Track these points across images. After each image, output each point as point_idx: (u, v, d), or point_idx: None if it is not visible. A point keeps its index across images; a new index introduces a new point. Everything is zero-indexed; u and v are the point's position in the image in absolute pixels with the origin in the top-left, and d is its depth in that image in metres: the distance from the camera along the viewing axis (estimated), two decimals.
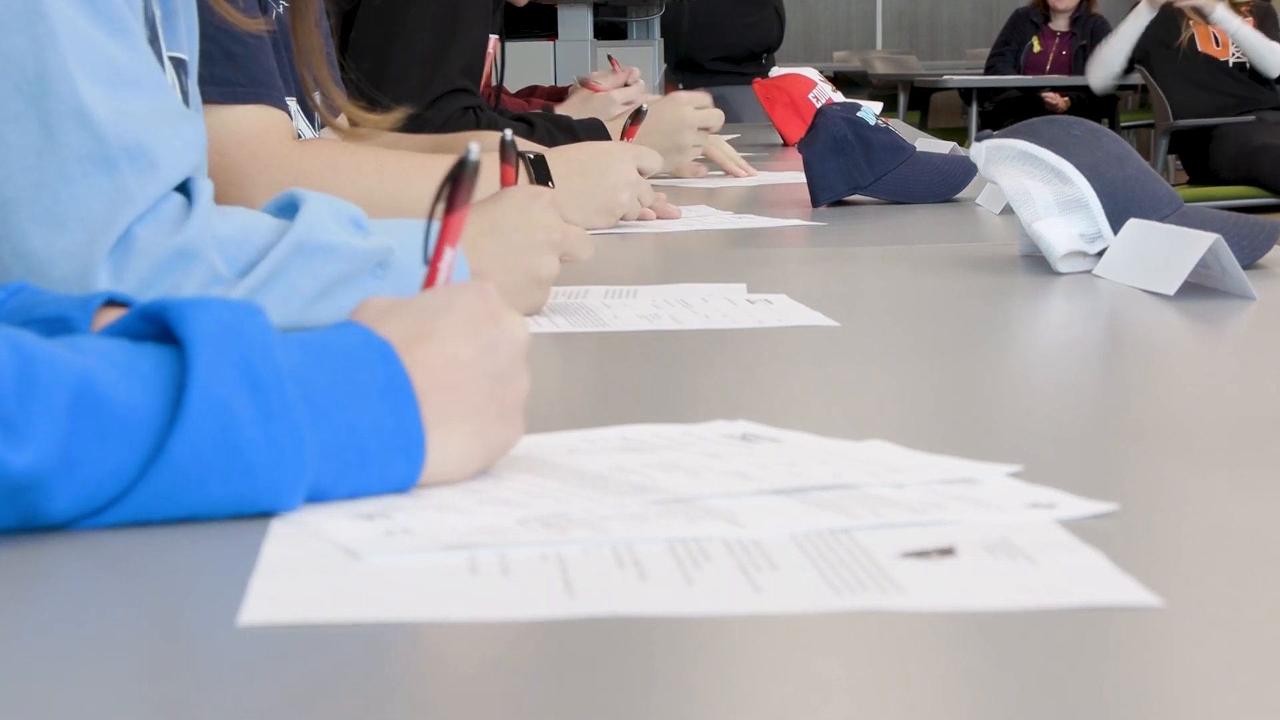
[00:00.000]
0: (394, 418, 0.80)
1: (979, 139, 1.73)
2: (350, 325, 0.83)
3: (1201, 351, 1.37)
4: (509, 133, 1.44)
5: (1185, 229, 1.51)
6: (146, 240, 1.10)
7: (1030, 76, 8.36)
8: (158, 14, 1.24)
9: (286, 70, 1.77)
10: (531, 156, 1.80)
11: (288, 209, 1.19)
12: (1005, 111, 8.34)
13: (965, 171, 2.37)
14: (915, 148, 2.42)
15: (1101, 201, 1.61)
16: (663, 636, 0.65)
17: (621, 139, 2.44)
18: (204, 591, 0.71)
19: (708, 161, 2.91)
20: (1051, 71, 8.34)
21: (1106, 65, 7.16)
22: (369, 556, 0.73)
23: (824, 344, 1.30)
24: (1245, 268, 1.46)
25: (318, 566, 0.72)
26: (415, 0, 2.63)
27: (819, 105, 3.27)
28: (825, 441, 0.92)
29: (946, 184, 2.38)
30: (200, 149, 1.16)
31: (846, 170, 2.30)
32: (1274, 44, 6.81)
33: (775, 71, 3.70)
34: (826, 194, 2.31)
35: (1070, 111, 7.93)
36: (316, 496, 0.79)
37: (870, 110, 2.36)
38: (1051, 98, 8.20)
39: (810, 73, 3.65)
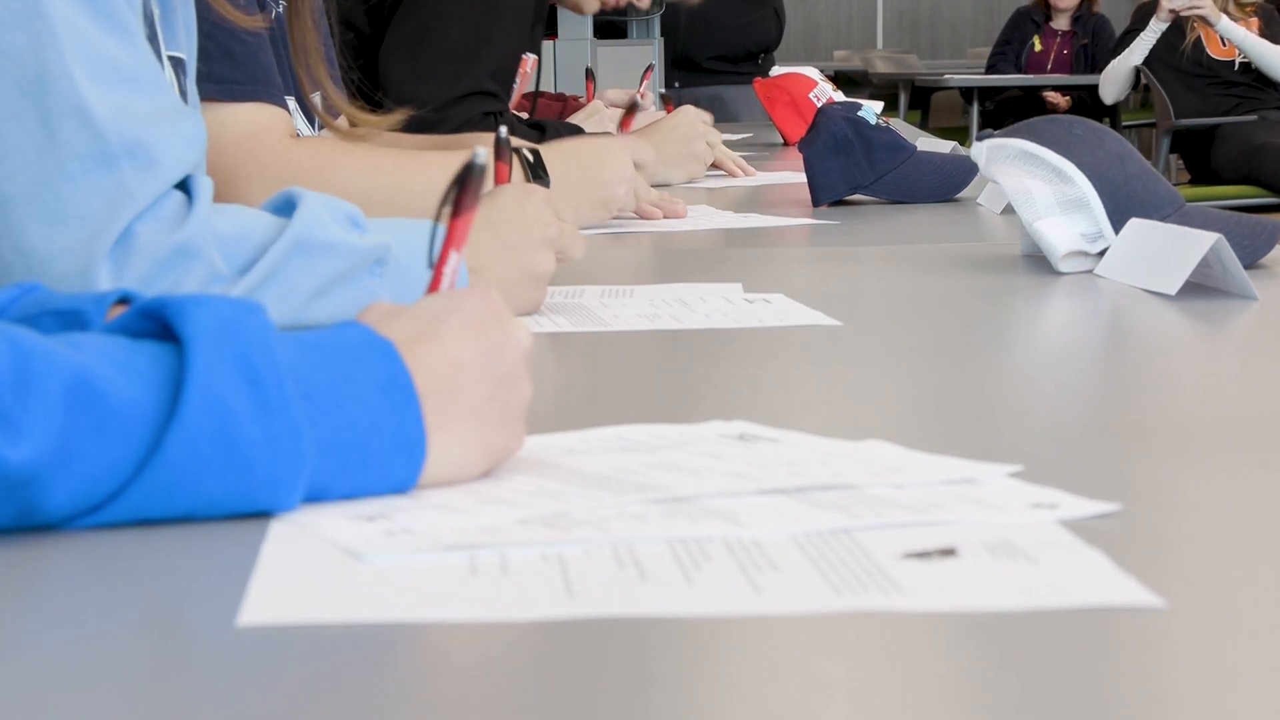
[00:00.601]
0: (395, 417, 0.80)
1: (980, 138, 1.73)
2: (352, 325, 0.83)
3: (1203, 351, 1.37)
4: (504, 130, 1.44)
5: (1187, 229, 1.50)
6: (147, 238, 1.10)
7: (1031, 76, 8.35)
8: (156, 12, 1.24)
9: (286, 69, 1.77)
10: (528, 153, 1.80)
11: (285, 207, 1.19)
12: (1006, 111, 8.34)
13: (966, 171, 2.37)
14: (916, 147, 2.41)
15: (1103, 201, 1.61)
16: (663, 637, 0.64)
17: (618, 131, 2.43)
18: (203, 592, 0.71)
19: None
20: (1053, 71, 8.34)
21: (1118, 81, 7.16)
22: (370, 557, 0.73)
23: (825, 344, 1.30)
24: (1247, 267, 1.46)
25: (317, 567, 0.72)
26: None
27: (819, 104, 3.27)
28: (824, 441, 0.91)
29: (947, 183, 2.38)
30: (200, 147, 1.16)
31: (847, 170, 2.30)
32: None
33: (775, 70, 3.70)
34: (827, 193, 2.31)
35: (1072, 111, 7.93)
36: (315, 494, 0.79)
37: (871, 110, 2.36)
38: (1053, 97, 8.20)
39: (811, 72, 3.64)
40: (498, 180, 1.43)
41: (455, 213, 0.89)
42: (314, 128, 1.89)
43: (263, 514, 0.78)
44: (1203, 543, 0.77)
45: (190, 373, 0.75)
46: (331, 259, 1.17)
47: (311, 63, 1.69)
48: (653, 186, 2.21)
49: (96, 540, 0.75)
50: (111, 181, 1.09)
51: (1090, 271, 1.60)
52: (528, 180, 1.79)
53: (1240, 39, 6.77)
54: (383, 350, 0.81)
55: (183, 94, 1.29)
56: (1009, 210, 2.10)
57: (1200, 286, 1.48)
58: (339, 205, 1.21)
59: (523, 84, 2.97)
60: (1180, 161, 7.42)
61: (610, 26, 5.47)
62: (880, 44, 11.16)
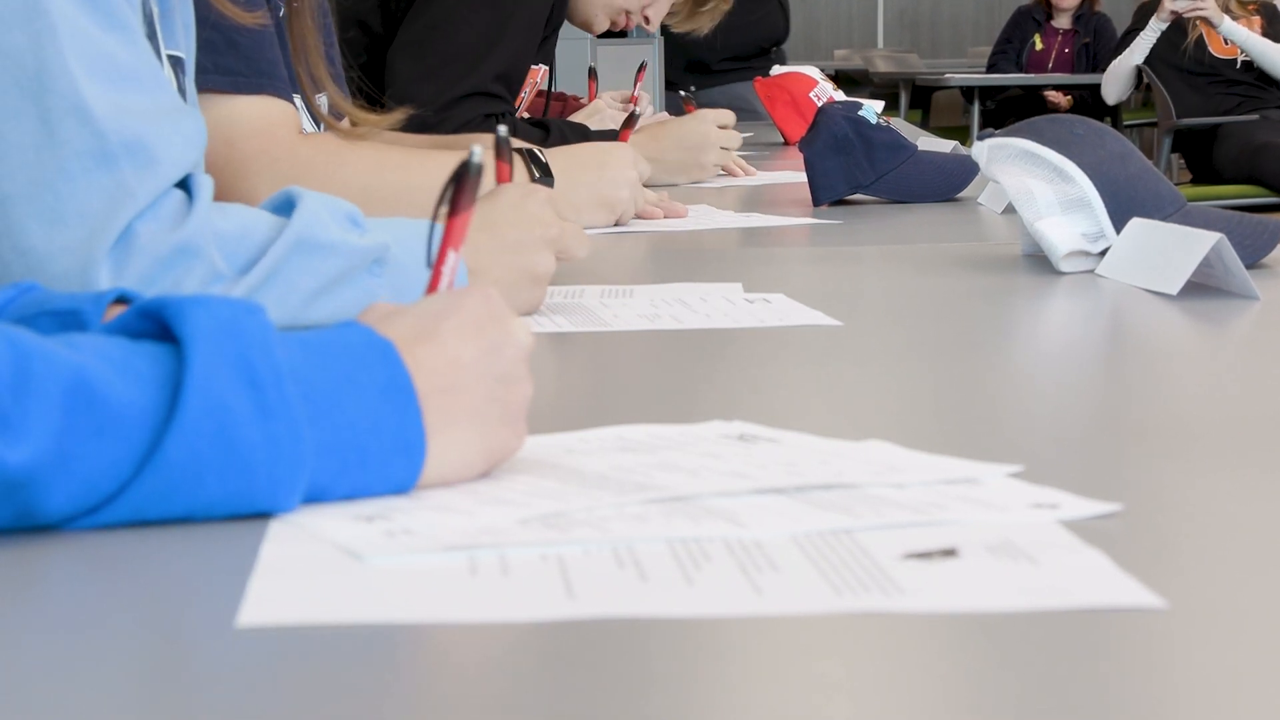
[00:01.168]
0: (395, 417, 0.79)
1: (981, 138, 1.72)
2: (352, 325, 0.82)
3: (1204, 351, 1.36)
4: (503, 129, 1.44)
5: (1188, 228, 1.50)
6: (147, 237, 1.09)
7: (1032, 75, 8.35)
8: (155, 11, 1.24)
9: (287, 67, 1.77)
10: (536, 153, 1.80)
11: (284, 207, 1.19)
12: (1007, 110, 8.34)
13: (967, 170, 2.37)
14: (917, 147, 2.41)
15: (1104, 200, 1.61)
16: (663, 638, 0.64)
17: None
18: (202, 593, 0.71)
19: None
20: (1054, 70, 8.34)
21: (1120, 80, 7.16)
22: (370, 557, 0.72)
23: (825, 343, 1.30)
24: (1249, 267, 1.46)
25: (317, 567, 0.72)
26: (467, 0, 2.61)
27: (820, 104, 3.27)
28: (823, 441, 0.91)
29: (948, 183, 2.38)
30: (200, 145, 1.15)
31: (848, 169, 2.30)
32: None
33: (776, 70, 3.69)
34: (827, 193, 2.31)
35: (1073, 110, 7.93)
36: (315, 496, 0.79)
37: (871, 109, 2.36)
38: (1054, 96, 8.20)
39: (811, 71, 3.64)
40: (499, 179, 1.43)
41: (452, 212, 0.89)
42: (317, 127, 1.89)
43: (262, 515, 0.78)
44: (1204, 543, 0.77)
45: (189, 374, 0.75)
46: (331, 259, 1.17)
47: (312, 61, 1.68)
48: (656, 187, 2.21)
49: (96, 541, 0.75)
50: (111, 180, 1.08)
51: (1091, 271, 1.60)
52: (532, 180, 1.78)
53: (1243, 39, 6.77)
54: (383, 351, 0.81)
55: (181, 93, 1.29)
56: (1010, 210, 2.09)
57: (1202, 286, 1.47)
58: (339, 205, 1.21)
59: (532, 94, 2.97)
60: (1182, 161, 7.42)
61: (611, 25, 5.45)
62: (881, 43, 11.15)
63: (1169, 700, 0.59)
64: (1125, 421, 1.06)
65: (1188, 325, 1.40)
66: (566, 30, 2.97)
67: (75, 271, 1.08)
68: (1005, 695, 0.59)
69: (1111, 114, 7.86)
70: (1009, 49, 8.50)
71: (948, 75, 8.97)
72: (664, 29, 5.59)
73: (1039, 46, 8.37)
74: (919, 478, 0.84)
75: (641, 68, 3.43)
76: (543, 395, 0.88)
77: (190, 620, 0.68)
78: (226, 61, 1.63)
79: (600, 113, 3.17)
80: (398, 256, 1.21)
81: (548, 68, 2.98)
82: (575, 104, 3.35)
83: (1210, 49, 6.91)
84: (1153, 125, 8.01)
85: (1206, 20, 6.78)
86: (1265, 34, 6.85)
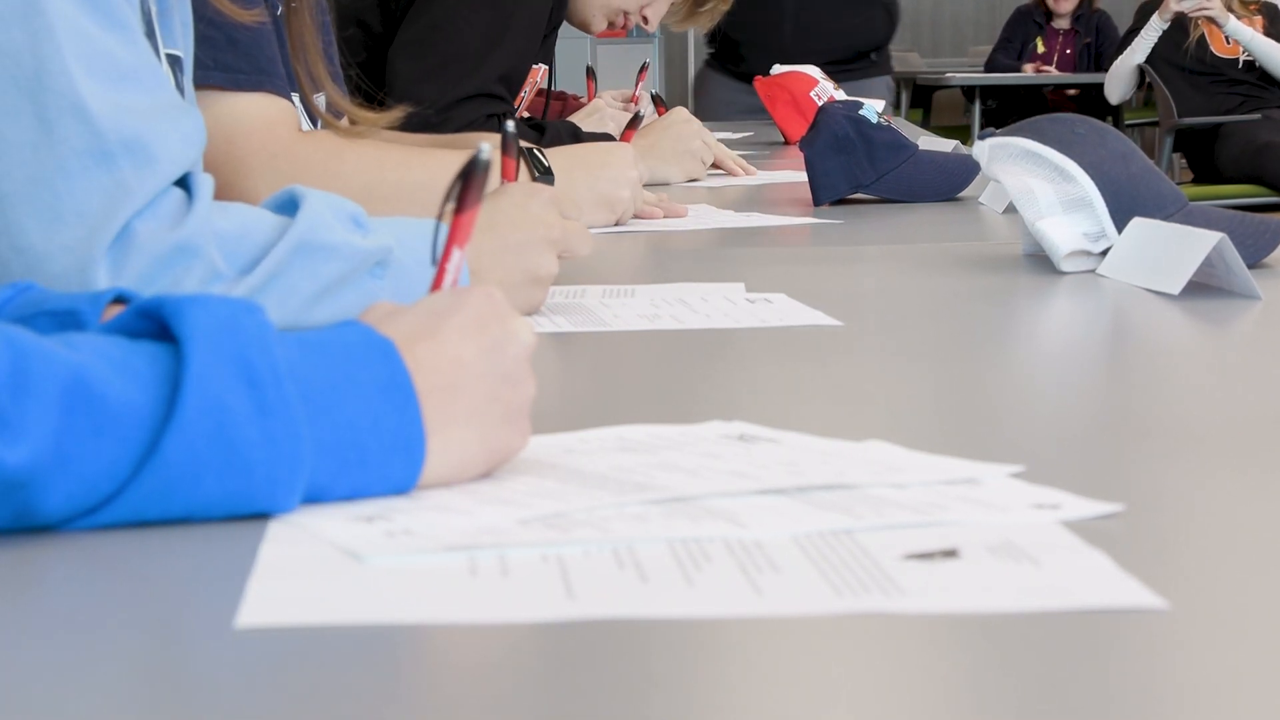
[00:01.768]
0: (394, 417, 0.79)
1: (982, 137, 1.72)
2: (352, 324, 0.82)
3: (1206, 351, 1.36)
4: (510, 124, 1.44)
5: (1190, 228, 1.50)
6: (146, 236, 1.09)
7: (1033, 74, 8.34)
8: (153, 10, 1.24)
9: (286, 66, 1.76)
10: (538, 153, 1.80)
11: (286, 206, 1.18)
12: (1009, 109, 8.33)
13: (968, 170, 2.37)
14: (918, 146, 2.41)
15: (1105, 200, 1.61)
16: (663, 638, 0.64)
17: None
18: (201, 593, 0.71)
19: None
20: (1057, 71, 8.33)
21: (1122, 80, 7.16)
22: (370, 558, 0.72)
23: (826, 343, 1.30)
24: (1251, 267, 1.46)
25: (316, 568, 0.72)
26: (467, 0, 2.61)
27: (821, 103, 3.27)
28: (823, 442, 0.91)
29: (949, 182, 2.38)
30: (199, 144, 1.15)
31: (848, 169, 2.29)
32: None
33: (777, 69, 3.69)
34: (828, 193, 2.30)
35: (1074, 109, 7.93)
36: (315, 495, 0.78)
37: (872, 108, 2.36)
38: (1056, 97, 8.20)
39: (812, 70, 3.64)
40: (504, 175, 1.42)
41: (458, 209, 0.89)
42: (315, 126, 1.89)
43: (261, 515, 0.77)
44: (1206, 544, 0.76)
45: (188, 373, 0.75)
46: (334, 261, 1.16)
47: (310, 59, 1.68)
48: (652, 187, 2.21)
49: (94, 541, 0.75)
50: (110, 179, 1.08)
51: (1093, 271, 1.60)
52: (533, 179, 1.78)
53: (1247, 39, 6.77)
54: (382, 349, 0.80)
55: (179, 91, 1.29)
56: (1011, 209, 2.09)
57: (1203, 286, 1.47)
58: (342, 205, 1.20)
59: (532, 94, 2.97)
60: (1183, 160, 7.42)
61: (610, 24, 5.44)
62: None
63: (1171, 701, 0.58)
64: (1127, 422, 1.05)
65: (1189, 325, 1.40)
66: (566, 29, 2.97)
67: (73, 270, 1.07)
68: (1006, 696, 0.59)
69: (1113, 113, 7.86)
70: (1009, 47, 8.50)
71: (949, 74, 8.96)
72: (762, 32, 5.53)
73: (1040, 49, 8.36)
74: (919, 478, 0.84)
75: (644, 68, 3.43)
76: (543, 395, 0.88)
77: (189, 621, 0.68)
78: (226, 58, 1.62)
79: (599, 112, 3.17)
80: (400, 258, 1.21)
81: (547, 67, 2.98)
82: (575, 103, 3.35)
83: (1212, 48, 6.90)
84: (1154, 125, 8.00)
85: (1212, 19, 6.78)
86: (1267, 33, 6.85)
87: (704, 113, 4.92)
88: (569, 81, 4.04)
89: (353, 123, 1.77)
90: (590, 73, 3.59)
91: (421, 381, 0.80)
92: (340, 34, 1.89)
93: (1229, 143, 6.78)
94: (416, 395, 0.80)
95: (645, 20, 3.02)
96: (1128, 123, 8.29)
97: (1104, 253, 1.61)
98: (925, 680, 0.61)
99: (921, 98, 9.70)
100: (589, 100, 3.35)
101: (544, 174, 1.81)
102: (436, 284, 0.89)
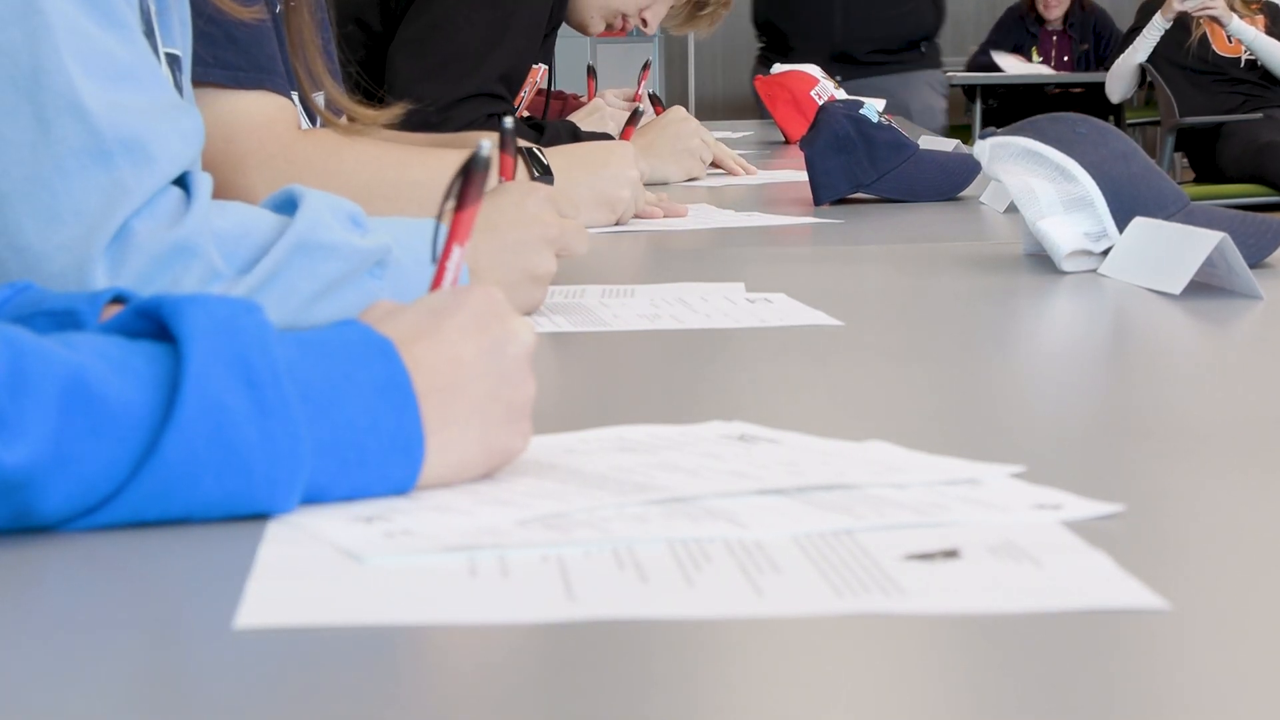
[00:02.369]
0: (393, 417, 0.79)
1: (983, 136, 1.72)
2: (352, 323, 0.82)
3: (1208, 351, 1.36)
4: (509, 120, 1.43)
5: (1191, 227, 1.50)
6: (144, 235, 1.09)
7: (1034, 73, 8.34)
8: (152, 8, 1.24)
9: (285, 64, 1.76)
10: (527, 150, 1.79)
11: (286, 205, 1.18)
12: (1009, 109, 8.33)
13: (969, 169, 2.37)
14: (918, 145, 2.41)
15: (1107, 199, 1.61)
16: (664, 639, 0.64)
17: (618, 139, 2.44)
18: (200, 594, 0.71)
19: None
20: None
21: (1124, 79, 7.16)
22: (370, 558, 0.72)
23: (826, 343, 1.30)
24: (1252, 266, 1.46)
25: (315, 568, 0.72)
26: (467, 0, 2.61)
27: (821, 102, 3.26)
28: (823, 442, 0.91)
29: (950, 182, 2.37)
30: (198, 142, 1.15)
31: (849, 168, 2.29)
32: None
33: (777, 68, 3.69)
34: (829, 192, 2.30)
35: (1074, 108, 7.92)
36: (314, 496, 0.78)
37: (873, 107, 2.36)
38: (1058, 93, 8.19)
39: (813, 70, 3.64)
40: (503, 172, 1.42)
41: (459, 207, 0.88)
42: (314, 124, 1.89)
43: (260, 516, 0.77)
44: (1208, 544, 0.76)
45: (187, 374, 0.74)
46: (333, 261, 1.16)
47: (309, 55, 1.68)
48: (651, 185, 2.20)
49: (93, 542, 0.75)
50: (107, 178, 1.08)
51: (1094, 271, 1.60)
52: (532, 178, 1.78)
53: (1250, 39, 6.76)
54: (381, 349, 0.80)
55: (178, 90, 1.28)
56: (1012, 209, 2.09)
57: (1205, 286, 1.47)
58: (341, 204, 1.20)
59: (531, 93, 2.96)
60: (1185, 160, 7.41)
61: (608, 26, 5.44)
62: None
63: (1172, 702, 0.58)
64: (1128, 422, 1.05)
65: (1191, 325, 1.39)
66: (566, 29, 2.97)
67: (71, 270, 1.07)
68: (1007, 697, 0.58)
69: (1114, 112, 7.85)
70: (997, 49, 8.49)
71: (949, 74, 8.95)
72: (814, 23, 5.50)
73: (1035, 58, 8.35)
74: (920, 478, 0.83)
75: (645, 66, 3.42)
76: (543, 395, 0.87)
77: (188, 622, 0.68)
78: (226, 56, 1.62)
79: (600, 111, 3.17)
80: (399, 258, 1.20)
81: (547, 67, 2.98)
82: (575, 102, 3.35)
83: (1214, 47, 6.90)
84: (1156, 124, 7.99)
85: (1215, 19, 6.78)
86: (1269, 33, 6.84)
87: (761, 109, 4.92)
88: (569, 81, 4.04)
89: (352, 120, 1.77)
90: (591, 71, 3.58)
91: (421, 381, 0.80)
92: (339, 32, 1.88)
93: (1230, 142, 6.78)
94: (416, 395, 0.80)
95: (644, 23, 3.02)
96: (1129, 122, 8.28)
97: (1105, 252, 1.60)
98: (926, 681, 0.61)
99: None
100: (589, 99, 3.34)
101: (543, 173, 1.80)
102: (436, 282, 0.88)
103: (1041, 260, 1.67)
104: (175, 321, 0.76)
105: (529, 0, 2.66)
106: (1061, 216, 1.61)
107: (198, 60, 1.41)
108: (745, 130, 4.10)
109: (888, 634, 0.64)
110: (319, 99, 1.74)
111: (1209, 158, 6.92)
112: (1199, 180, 7.02)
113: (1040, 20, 8.38)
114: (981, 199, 2.32)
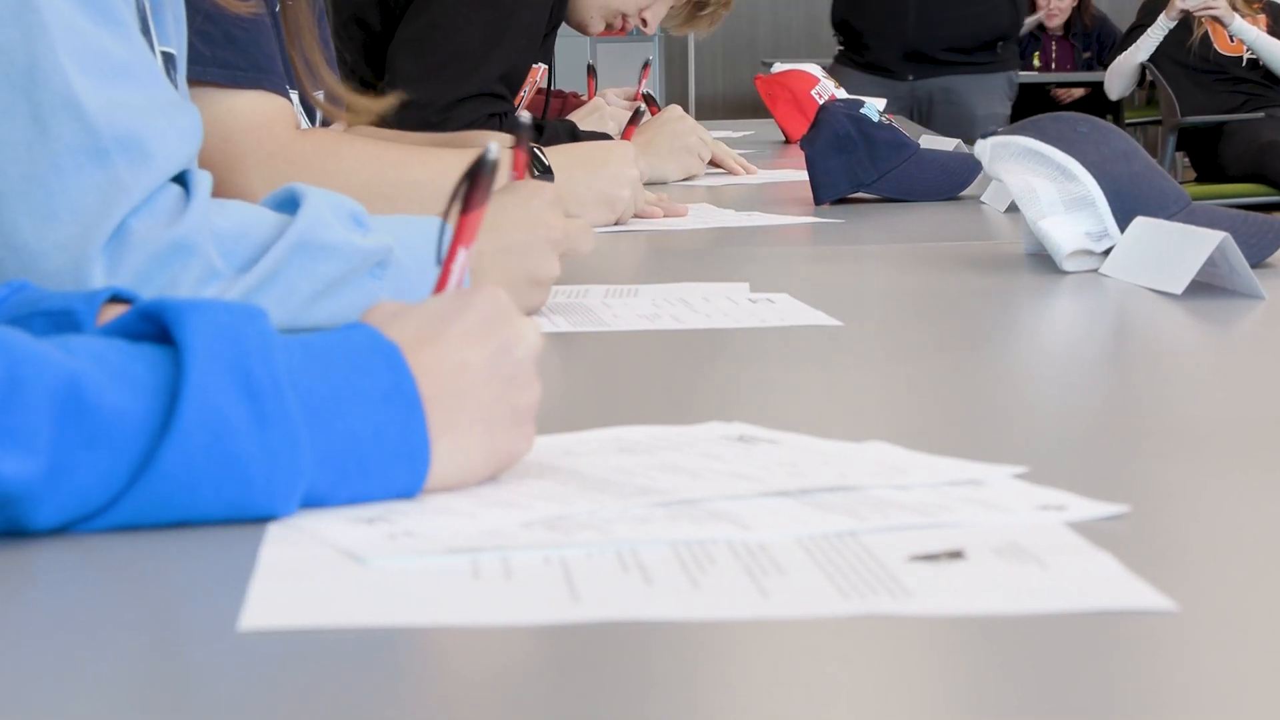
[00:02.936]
0: (398, 425, 0.78)
1: (984, 136, 1.72)
2: (358, 327, 0.81)
3: (1210, 351, 1.36)
4: (525, 114, 1.43)
5: (1193, 227, 1.50)
6: (142, 233, 1.08)
7: (1034, 73, 8.34)
8: (148, 6, 1.23)
9: (283, 60, 1.76)
10: (531, 149, 1.79)
11: (287, 204, 1.18)
12: (1014, 112, 8.32)
13: (970, 169, 2.36)
14: (919, 145, 2.41)
15: (1108, 199, 1.60)
16: (667, 641, 0.64)
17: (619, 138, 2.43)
18: (203, 596, 0.70)
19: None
20: (1058, 87, 8.33)
21: (1124, 77, 7.15)
22: (372, 560, 0.72)
23: (827, 343, 1.29)
24: (1254, 266, 1.45)
25: (318, 570, 0.71)
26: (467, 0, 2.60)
27: (822, 102, 3.26)
28: (823, 443, 0.91)
29: (951, 181, 2.37)
30: (196, 140, 1.14)
31: (849, 168, 2.29)
32: None
33: (778, 67, 3.69)
34: (829, 192, 2.30)
35: (1076, 108, 7.92)
36: (314, 504, 0.78)
37: (874, 107, 2.35)
38: (1061, 94, 8.19)
39: (813, 69, 3.64)
40: (514, 167, 1.41)
41: (465, 209, 0.88)
42: (311, 122, 1.88)
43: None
44: (1213, 544, 0.76)
45: (187, 382, 0.74)
46: (334, 260, 1.16)
47: (305, 45, 1.67)
48: (650, 185, 2.20)
49: (95, 543, 0.75)
50: (104, 176, 1.08)
51: (1095, 270, 1.60)
52: (531, 177, 1.78)
53: (1253, 38, 6.76)
54: (387, 355, 0.79)
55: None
56: (1013, 208, 2.09)
57: (1207, 285, 1.47)
58: (342, 203, 1.20)
59: (531, 93, 2.96)
60: (1186, 159, 7.41)
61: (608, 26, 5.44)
62: None
63: (1178, 703, 0.58)
64: (1131, 422, 1.05)
65: (1192, 325, 1.39)
66: (566, 28, 2.97)
67: (68, 268, 1.07)
68: (1012, 698, 0.58)
69: (1115, 112, 7.85)
70: None
71: None
72: (887, 21, 5.48)
73: (1036, 64, 8.35)
74: (923, 479, 0.83)
75: (645, 66, 3.42)
76: (543, 396, 0.87)
77: (191, 624, 0.68)
78: (224, 55, 1.62)
79: (600, 110, 3.17)
80: (400, 258, 1.20)
81: (547, 66, 2.97)
82: (575, 102, 3.34)
83: (1216, 46, 6.89)
84: (1157, 123, 7.99)
85: (1217, 18, 6.77)
86: (1271, 32, 6.84)
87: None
88: (569, 80, 4.03)
89: (349, 109, 1.76)
90: (591, 71, 3.58)
91: (427, 388, 0.79)
92: (338, 31, 1.88)
93: (1232, 141, 6.77)
94: (421, 403, 0.79)
95: (644, 23, 3.02)
96: (1130, 121, 8.28)
97: (1106, 252, 1.60)
98: (931, 682, 0.61)
99: None
100: (589, 98, 3.34)
101: (544, 172, 1.80)
102: (441, 285, 0.88)
103: (1043, 260, 1.67)
104: (178, 328, 0.75)
105: (529, 0, 2.66)
106: (1063, 216, 1.61)
107: (196, 59, 1.41)
108: (745, 130, 4.10)
109: (893, 635, 0.64)
110: (320, 98, 1.74)
111: (1210, 157, 6.92)
112: (1200, 180, 7.01)
113: (1042, 27, 8.38)
114: (982, 199, 2.32)
